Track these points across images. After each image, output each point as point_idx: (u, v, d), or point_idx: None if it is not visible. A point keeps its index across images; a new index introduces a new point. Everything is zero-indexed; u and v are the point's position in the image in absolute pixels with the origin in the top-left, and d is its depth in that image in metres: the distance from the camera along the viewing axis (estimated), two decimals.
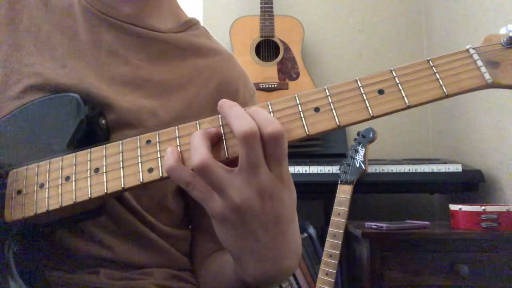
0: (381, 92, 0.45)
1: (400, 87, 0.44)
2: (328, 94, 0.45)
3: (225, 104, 0.44)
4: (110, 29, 0.65)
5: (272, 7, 1.94)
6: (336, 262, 1.29)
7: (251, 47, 1.91)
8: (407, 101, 0.44)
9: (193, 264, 0.70)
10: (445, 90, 0.44)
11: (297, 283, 1.58)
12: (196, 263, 0.70)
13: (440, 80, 0.44)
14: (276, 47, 1.93)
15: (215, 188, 0.43)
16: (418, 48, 2.12)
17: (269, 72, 1.88)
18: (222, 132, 0.45)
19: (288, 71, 1.89)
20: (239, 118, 0.42)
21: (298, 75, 1.89)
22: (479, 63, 0.44)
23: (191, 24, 0.73)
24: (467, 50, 0.45)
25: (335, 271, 1.29)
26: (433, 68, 0.45)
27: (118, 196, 0.59)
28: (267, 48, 1.94)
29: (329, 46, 2.13)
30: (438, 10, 2.01)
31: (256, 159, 0.41)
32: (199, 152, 0.42)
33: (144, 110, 0.62)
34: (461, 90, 0.44)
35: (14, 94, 0.61)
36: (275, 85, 1.85)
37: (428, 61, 0.45)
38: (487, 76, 0.44)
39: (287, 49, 1.92)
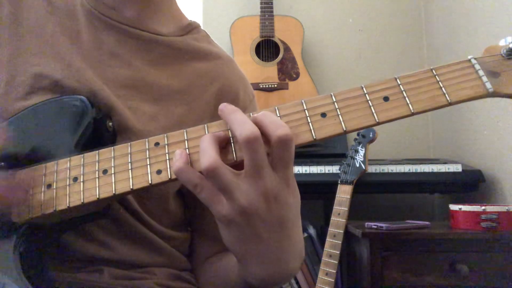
0: (386, 99, 0.46)
1: (405, 95, 0.46)
2: (334, 100, 0.46)
3: (226, 109, 0.45)
4: (112, 31, 0.65)
5: (272, 7, 1.94)
6: (336, 262, 1.29)
7: (251, 47, 1.91)
8: (411, 108, 0.45)
9: (192, 266, 0.70)
10: (448, 98, 0.45)
11: (297, 283, 1.58)
12: (196, 265, 0.70)
13: (443, 89, 0.46)
14: (276, 47, 1.93)
15: (222, 191, 0.43)
16: (418, 48, 2.12)
17: (269, 72, 1.88)
18: (230, 135, 0.46)
19: (288, 71, 1.89)
20: (241, 123, 0.43)
21: (298, 75, 1.89)
22: (481, 72, 0.46)
23: (192, 27, 0.73)
24: (469, 60, 0.47)
25: (335, 271, 1.29)
26: (436, 77, 0.46)
27: (123, 197, 0.59)
28: (267, 48, 1.94)
29: (329, 46, 2.13)
30: (438, 10, 2.01)
31: (260, 162, 0.42)
32: (208, 155, 0.42)
33: (145, 115, 0.62)
34: (464, 98, 0.46)
35: (20, 95, 0.61)
36: (275, 85, 1.85)
37: (431, 70, 0.47)
38: (488, 85, 0.45)
39: (287, 49, 1.92)
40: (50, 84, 0.61)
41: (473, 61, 0.47)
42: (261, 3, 1.94)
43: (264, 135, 0.43)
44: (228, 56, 0.75)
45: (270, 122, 0.43)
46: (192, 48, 0.70)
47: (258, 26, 1.94)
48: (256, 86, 1.82)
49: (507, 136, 1.48)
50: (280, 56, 1.91)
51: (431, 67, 0.47)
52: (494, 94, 0.46)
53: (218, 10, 2.13)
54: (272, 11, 1.94)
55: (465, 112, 1.76)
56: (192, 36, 0.72)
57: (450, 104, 0.46)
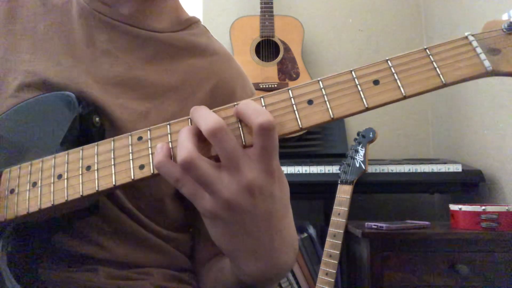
0: (376, 82, 0.43)
1: (396, 77, 0.43)
2: (321, 86, 0.44)
3: (192, 109, 0.44)
4: (105, 29, 0.65)
5: (272, 7, 1.94)
6: (336, 262, 1.29)
7: (251, 47, 1.91)
8: (403, 91, 0.43)
9: (194, 268, 0.70)
10: (442, 79, 0.43)
11: (297, 283, 1.58)
12: (197, 268, 0.69)
13: (437, 69, 0.43)
14: (276, 47, 1.93)
15: (202, 184, 0.42)
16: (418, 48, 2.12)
17: (269, 72, 1.88)
18: None
19: (288, 71, 1.89)
20: (203, 117, 0.42)
21: (298, 75, 1.89)
22: (478, 50, 0.43)
23: (191, 22, 0.72)
24: (466, 37, 0.44)
25: (335, 271, 1.29)
26: (430, 56, 0.43)
27: (111, 194, 0.59)
28: (267, 48, 1.94)
29: (329, 46, 2.13)
30: (438, 10, 2.01)
31: (232, 153, 0.41)
32: (185, 147, 0.41)
33: (135, 112, 0.62)
34: (459, 79, 0.43)
35: (10, 92, 0.61)
36: (275, 85, 1.85)
37: (425, 49, 0.44)
38: (486, 63, 0.42)
39: (287, 49, 1.92)
40: (39, 81, 0.61)
41: (471, 38, 0.44)
42: (261, 3, 1.94)
43: (247, 125, 0.42)
44: (226, 52, 0.74)
45: (252, 110, 0.41)
46: (188, 43, 0.69)
47: (258, 26, 1.94)
48: (256, 86, 1.82)
49: (507, 136, 1.48)
50: (280, 56, 1.91)
51: (425, 46, 0.44)
52: (493, 73, 0.43)
53: (218, 10, 2.13)
54: (272, 11, 1.94)
55: (465, 112, 1.76)
56: (190, 32, 0.71)
57: (445, 85, 0.43)
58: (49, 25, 0.65)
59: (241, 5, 2.12)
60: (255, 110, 0.41)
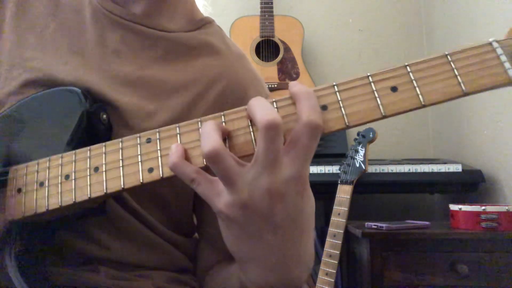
0: (394, 89, 0.41)
1: (415, 84, 0.40)
2: (336, 90, 0.42)
3: (253, 100, 0.42)
4: (117, 28, 0.65)
5: (272, 7, 1.94)
6: (336, 262, 1.29)
7: (251, 47, 1.91)
8: (422, 100, 0.40)
9: (197, 273, 0.69)
10: (463, 88, 0.40)
11: None
12: (200, 274, 0.68)
13: (458, 77, 0.40)
14: (276, 47, 1.93)
15: (224, 179, 0.40)
16: (418, 48, 2.12)
17: (269, 72, 1.88)
18: (229, 129, 0.43)
19: (288, 71, 1.89)
20: (264, 108, 0.39)
21: (298, 75, 1.89)
22: (503, 58, 0.40)
23: (205, 22, 0.72)
24: (490, 44, 0.41)
25: (335, 271, 1.29)
26: (452, 63, 0.41)
27: (117, 196, 0.59)
28: (267, 48, 1.94)
29: (329, 46, 2.13)
30: (438, 9, 2.01)
31: (276, 154, 0.39)
32: (211, 138, 0.39)
33: (141, 111, 0.61)
34: (481, 88, 0.40)
35: (14, 89, 0.61)
36: (275, 85, 1.85)
37: (446, 55, 0.41)
38: (511, 72, 0.40)
39: (287, 49, 1.92)
40: (45, 78, 0.60)
41: (495, 44, 0.41)
42: (261, 3, 1.94)
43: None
44: (240, 52, 0.72)
45: (305, 106, 0.39)
46: (200, 43, 0.68)
47: (258, 26, 1.94)
48: None
49: (507, 136, 1.48)
50: (280, 56, 1.91)
51: (446, 52, 0.41)
52: None
53: (218, 10, 2.13)
54: (272, 11, 1.94)
55: (465, 111, 1.76)
56: (203, 31, 0.70)
57: (465, 94, 0.40)
58: (60, 24, 0.65)
59: (241, 5, 2.12)
60: (311, 106, 0.39)
